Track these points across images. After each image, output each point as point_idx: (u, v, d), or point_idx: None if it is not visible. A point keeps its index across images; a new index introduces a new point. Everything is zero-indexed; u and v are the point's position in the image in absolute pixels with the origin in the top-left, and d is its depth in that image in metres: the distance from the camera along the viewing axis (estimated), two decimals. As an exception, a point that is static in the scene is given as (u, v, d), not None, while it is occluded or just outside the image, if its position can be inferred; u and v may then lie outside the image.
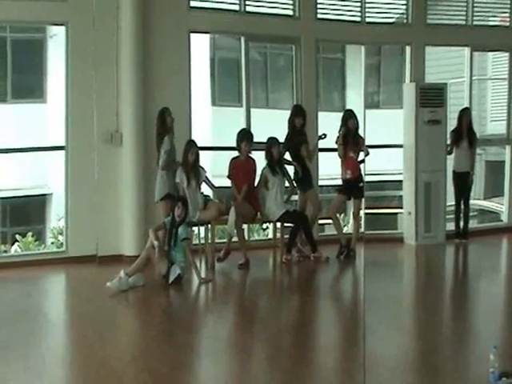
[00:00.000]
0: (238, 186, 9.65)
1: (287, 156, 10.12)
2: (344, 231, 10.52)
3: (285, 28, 10.94)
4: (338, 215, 10.45)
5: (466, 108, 11.43)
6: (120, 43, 9.77)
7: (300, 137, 10.03)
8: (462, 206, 11.11)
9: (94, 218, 9.67)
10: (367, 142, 9.74)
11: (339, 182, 10.26)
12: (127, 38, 9.76)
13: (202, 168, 9.49)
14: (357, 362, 5.60)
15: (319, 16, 11.06)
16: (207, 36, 13.37)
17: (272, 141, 9.87)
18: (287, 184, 10.00)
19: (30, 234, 12.26)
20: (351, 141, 9.97)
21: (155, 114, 9.44)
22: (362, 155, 10.01)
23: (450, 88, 11.83)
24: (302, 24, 10.96)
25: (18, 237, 12.12)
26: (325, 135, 10.13)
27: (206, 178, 9.53)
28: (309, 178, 10.11)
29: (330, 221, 10.51)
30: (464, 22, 11.91)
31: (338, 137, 10.07)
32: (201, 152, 9.57)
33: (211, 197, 9.67)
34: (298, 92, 10.98)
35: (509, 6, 12.23)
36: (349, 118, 10.07)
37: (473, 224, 12.15)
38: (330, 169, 10.79)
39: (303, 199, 10.21)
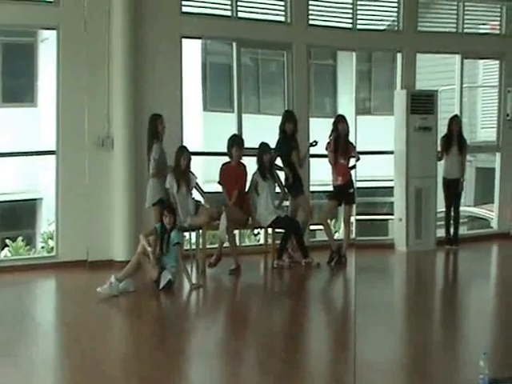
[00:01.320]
0: (229, 191, 9.65)
1: (278, 162, 10.12)
2: (335, 237, 10.53)
3: (276, 34, 10.96)
4: (329, 221, 10.46)
5: (456, 115, 11.46)
6: (111, 48, 9.76)
7: (291, 143, 10.04)
8: (453, 213, 11.14)
9: (85, 223, 9.66)
10: (358, 148, 9.77)
11: (330, 188, 10.26)
12: (119, 43, 9.76)
13: (193, 174, 9.48)
14: (347, 366, 5.60)
15: (311, 22, 11.10)
16: (199, 41, 13.35)
17: (263, 146, 9.89)
18: (278, 190, 10.01)
19: (20, 238, 12.21)
20: (341, 147, 9.97)
21: (146, 119, 9.43)
22: (352, 161, 10.02)
23: (441, 95, 11.88)
24: (293, 30, 10.99)
25: (8, 241, 12.08)
26: (316, 142, 10.15)
27: (197, 184, 9.51)
28: (300, 183, 10.11)
29: (321, 227, 10.52)
30: (455, 30, 11.98)
31: (329, 143, 10.08)
32: (192, 157, 9.56)
33: (202, 202, 9.64)
34: (290, 98, 11.01)
35: (499, 13, 12.29)
36: (339, 121, 10.07)
37: (463, 230, 12.21)
38: (321, 175, 10.79)
39: (294, 205, 10.21)
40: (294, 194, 10.12)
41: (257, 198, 9.81)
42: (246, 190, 9.86)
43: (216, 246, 9.86)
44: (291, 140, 10.06)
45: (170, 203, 9.02)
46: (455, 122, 11.19)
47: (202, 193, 9.65)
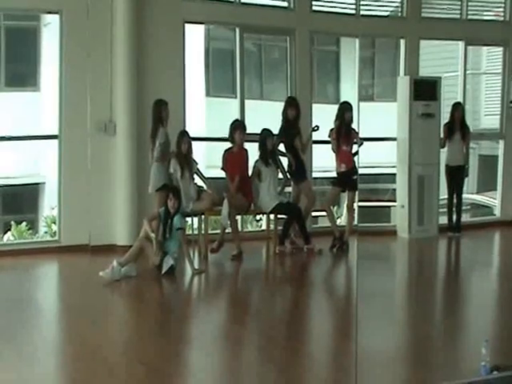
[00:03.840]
0: (232, 177, 9.64)
1: (281, 147, 10.11)
2: (337, 223, 10.53)
3: (280, 19, 10.93)
4: (332, 207, 10.46)
5: (458, 102, 11.43)
6: (114, 32, 9.74)
7: (293, 129, 10.02)
8: (455, 200, 11.13)
9: (87, 208, 9.67)
10: (361, 135, 9.73)
11: (333, 174, 10.26)
12: (121, 28, 9.73)
13: (194, 160, 9.48)
14: (348, 354, 5.60)
15: (314, 8, 11.06)
16: (202, 26, 13.33)
17: (266, 132, 9.86)
18: (281, 176, 10.00)
19: (24, 222, 12.24)
20: (344, 134, 9.96)
21: (149, 104, 9.45)
22: (355, 147, 10.01)
23: (444, 82, 11.84)
24: (296, 16, 10.95)
25: (12, 225, 12.10)
26: (317, 127, 10.15)
27: (198, 169, 9.53)
28: (303, 169, 10.10)
29: (323, 213, 10.51)
30: (458, 16, 11.92)
31: (331, 130, 10.06)
32: (195, 143, 9.58)
33: (204, 188, 9.65)
34: (293, 84, 10.98)
35: (503, 0, 12.24)
36: (346, 110, 10.01)
37: (466, 218, 12.20)
38: (323, 161, 10.78)
39: (297, 191, 10.21)
40: (297, 180, 10.11)
41: (259, 184, 9.80)
42: (249, 175, 9.84)
43: (218, 231, 9.86)
44: (293, 126, 10.05)
45: (176, 187, 9.02)
46: (458, 109, 11.17)
47: (204, 178, 9.66)
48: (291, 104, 10.11)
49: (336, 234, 10.00)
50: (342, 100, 12.71)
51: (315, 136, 10.36)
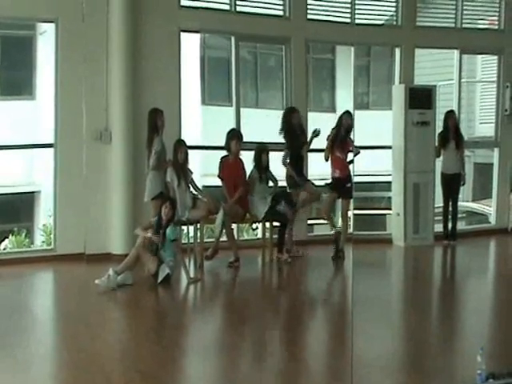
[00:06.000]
0: (229, 187, 9.62)
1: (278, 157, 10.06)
2: (332, 232, 10.51)
3: (275, 28, 10.95)
4: (330, 214, 10.38)
5: (451, 110, 11.43)
6: (110, 41, 9.75)
7: (300, 136, 10.00)
8: (451, 208, 11.15)
9: (83, 216, 9.66)
10: (357, 143, 9.75)
11: (329, 181, 10.24)
12: (117, 36, 9.75)
13: (189, 169, 9.49)
14: (344, 361, 5.61)
15: (309, 16, 11.08)
16: (198, 35, 13.35)
17: (261, 148, 9.85)
18: (271, 184, 9.98)
19: (23, 232, 12.22)
20: (339, 141, 9.95)
21: (145, 113, 9.45)
22: (350, 156, 10.00)
23: (439, 90, 11.88)
24: (292, 24, 10.98)
25: (14, 232, 12.08)
26: (318, 131, 10.03)
27: (192, 180, 9.53)
28: (304, 176, 10.14)
29: (319, 221, 10.50)
30: (453, 25, 11.97)
31: (329, 136, 10.04)
32: (190, 151, 9.58)
33: (200, 197, 9.64)
34: (288, 92, 11.00)
35: (497, 9, 12.29)
36: (347, 118, 9.95)
37: (461, 226, 12.20)
38: (319, 168, 10.77)
39: (303, 195, 10.08)
40: (303, 185, 10.05)
41: (253, 193, 9.79)
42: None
43: (213, 239, 9.85)
44: (300, 134, 10.02)
45: (172, 197, 9.02)
46: (451, 117, 11.18)
47: (198, 189, 9.65)
48: (293, 112, 10.07)
49: (339, 240, 9.96)
50: (337, 108, 12.74)
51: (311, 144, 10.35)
